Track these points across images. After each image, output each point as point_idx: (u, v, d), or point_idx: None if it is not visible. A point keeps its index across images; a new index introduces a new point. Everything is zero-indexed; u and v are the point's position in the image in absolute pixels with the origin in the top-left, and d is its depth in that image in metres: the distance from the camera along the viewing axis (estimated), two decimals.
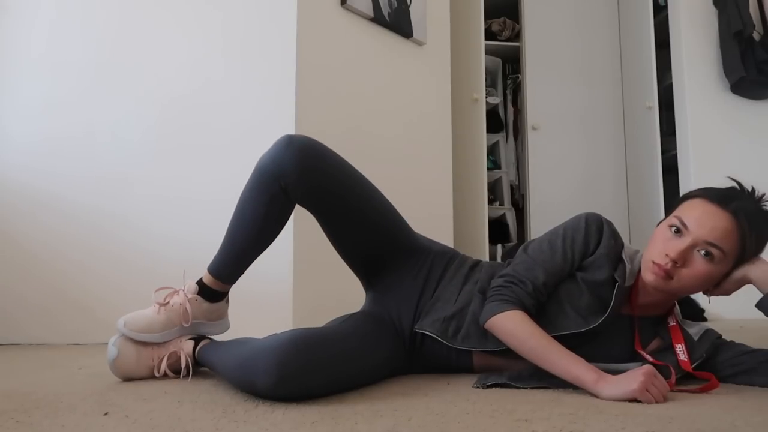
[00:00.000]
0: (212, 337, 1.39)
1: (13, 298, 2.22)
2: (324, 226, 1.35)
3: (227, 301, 1.40)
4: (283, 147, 1.21)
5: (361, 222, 1.31)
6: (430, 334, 1.24)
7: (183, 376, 1.29)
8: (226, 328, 1.42)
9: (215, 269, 1.32)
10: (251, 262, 1.32)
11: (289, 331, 1.06)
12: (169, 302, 1.31)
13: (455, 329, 1.24)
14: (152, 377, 1.30)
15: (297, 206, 1.30)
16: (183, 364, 1.29)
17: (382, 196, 1.35)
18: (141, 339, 1.28)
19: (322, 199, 1.26)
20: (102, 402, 1.04)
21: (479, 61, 3.44)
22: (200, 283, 1.34)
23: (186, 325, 1.32)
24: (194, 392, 1.13)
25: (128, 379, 1.28)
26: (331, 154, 1.27)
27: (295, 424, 0.86)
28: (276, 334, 1.06)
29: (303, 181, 1.21)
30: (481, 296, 1.25)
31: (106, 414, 0.95)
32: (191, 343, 1.32)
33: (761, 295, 1.12)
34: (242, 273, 1.34)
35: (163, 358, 1.29)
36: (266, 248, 1.32)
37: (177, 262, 2.18)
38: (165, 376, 1.30)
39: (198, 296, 1.33)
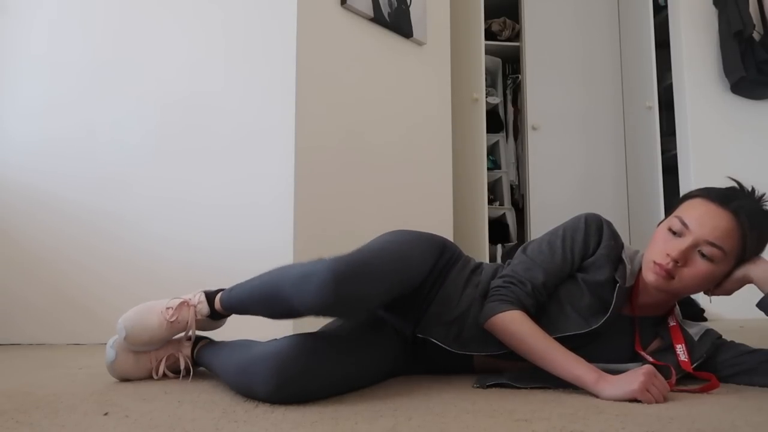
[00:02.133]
0: (210, 337, 1.38)
1: (13, 299, 2.22)
2: None
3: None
4: (324, 296, 0.99)
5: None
6: (431, 339, 1.24)
7: (182, 377, 1.29)
8: (222, 324, 1.42)
9: (228, 305, 1.27)
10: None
11: (287, 337, 1.06)
12: (176, 319, 1.28)
13: (456, 334, 1.24)
14: (151, 378, 1.30)
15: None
16: (182, 366, 1.29)
17: (413, 258, 1.23)
18: (142, 350, 1.28)
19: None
20: (102, 402, 1.04)
21: (479, 61, 3.44)
22: (210, 306, 1.30)
23: (188, 335, 1.31)
24: (194, 392, 1.13)
25: (127, 380, 1.28)
26: (368, 287, 1.06)
27: (295, 424, 0.86)
28: (275, 339, 1.06)
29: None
30: (482, 300, 1.25)
31: (106, 414, 0.94)
32: (189, 343, 1.32)
33: (762, 295, 1.13)
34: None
35: (161, 360, 1.29)
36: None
37: (176, 263, 2.20)
38: (164, 377, 1.30)
39: (207, 318, 1.31)
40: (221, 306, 1.29)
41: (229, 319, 1.45)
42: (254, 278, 1.20)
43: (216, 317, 1.31)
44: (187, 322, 1.28)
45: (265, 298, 1.13)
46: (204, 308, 1.29)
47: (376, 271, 1.07)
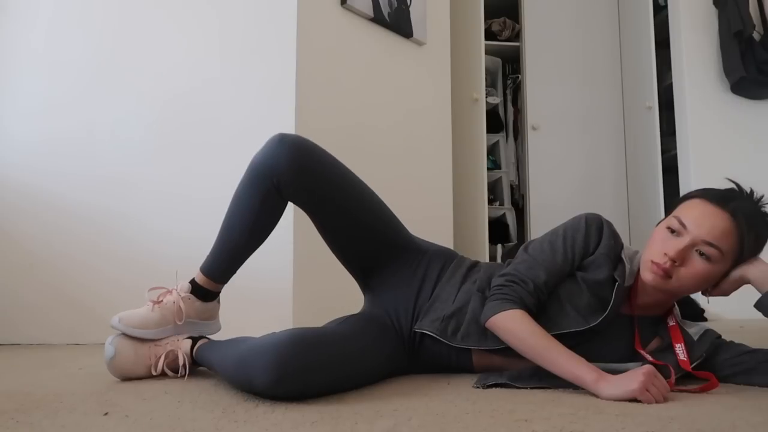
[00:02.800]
0: (209, 336, 1.39)
1: (13, 298, 2.22)
2: (317, 225, 1.36)
3: (219, 302, 1.41)
4: (275, 144, 1.23)
5: (353, 221, 1.32)
6: (429, 333, 1.24)
7: (181, 375, 1.30)
8: (218, 328, 1.43)
9: (207, 268, 1.34)
10: (243, 262, 1.33)
11: (287, 330, 1.06)
12: (162, 300, 1.33)
13: (454, 328, 1.24)
14: (150, 376, 1.30)
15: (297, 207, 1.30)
16: (180, 363, 1.30)
17: (376, 196, 1.36)
18: (136, 334, 1.29)
19: (314, 196, 1.27)
20: (102, 402, 1.04)
21: (479, 61, 3.44)
22: (193, 282, 1.35)
23: (179, 323, 1.32)
24: (194, 392, 1.13)
25: (126, 378, 1.29)
26: (322, 152, 1.29)
27: (295, 424, 0.86)
28: (274, 333, 1.06)
29: (295, 177, 1.22)
30: (480, 295, 1.26)
31: (106, 414, 0.95)
32: (188, 342, 1.32)
33: (759, 295, 1.13)
34: (234, 272, 1.35)
35: (160, 357, 1.29)
36: (257, 247, 1.33)
37: (177, 260, 2.18)
38: (163, 374, 1.30)
39: (191, 295, 1.34)
40: (201, 273, 1.33)
41: (228, 321, 1.46)
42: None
43: (202, 294, 1.34)
44: (174, 302, 1.32)
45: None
46: (184, 285, 1.34)
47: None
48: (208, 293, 1.36)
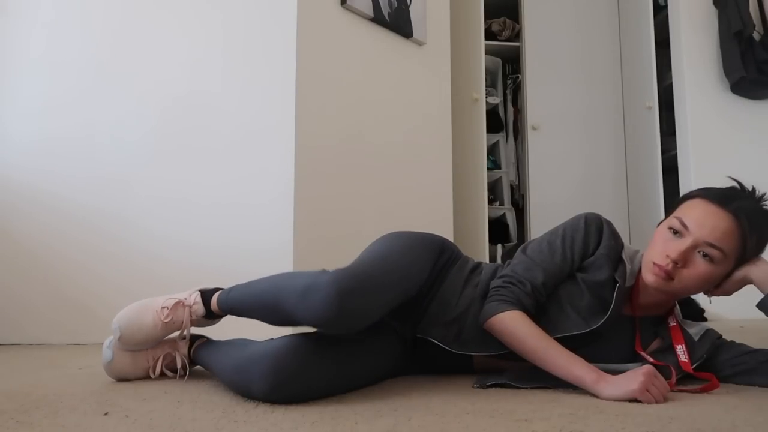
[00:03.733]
0: (208, 336, 1.38)
1: (13, 298, 2.22)
2: None
3: None
4: (330, 312, 0.98)
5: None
6: (431, 340, 1.24)
7: (179, 376, 1.29)
8: (217, 322, 1.41)
9: (226, 306, 1.27)
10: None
11: (284, 336, 1.06)
12: (171, 319, 1.27)
13: (456, 334, 1.24)
14: (149, 378, 1.30)
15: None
16: (179, 365, 1.29)
17: (412, 269, 1.23)
18: (134, 350, 1.28)
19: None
20: (102, 402, 1.04)
21: (479, 61, 3.44)
22: (206, 306, 1.29)
23: (183, 335, 1.31)
24: (194, 392, 1.13)
25: (124, 379, 1.28)
26: (371, 300, 1.06)
27: (295, 424, 0.86)
28: (272, 339, 1.06)
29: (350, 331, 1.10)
30: (481, 300, 1.24)
31: (106, 414, 0.94)
32: (186, 342, 1.32)
33: (762, 296, 1.12)
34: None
35: (158, 359, 1.29)
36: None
37: (176, 262, 2.20)
38: (162, 375, 1.30)
39: (202, 318, 1.31)
40: (218, 307, 1.28)
41: (227, 319, 1.45)
42: (254, 282, 1.20)
43: (211, 317, 1.31)
44: (182, 322, 1.28)
45: (265, 306, 1.13)
46: (200, 309, 1.28)
47: (379, 284, 1.07)
48: (218, 316, 1.32)
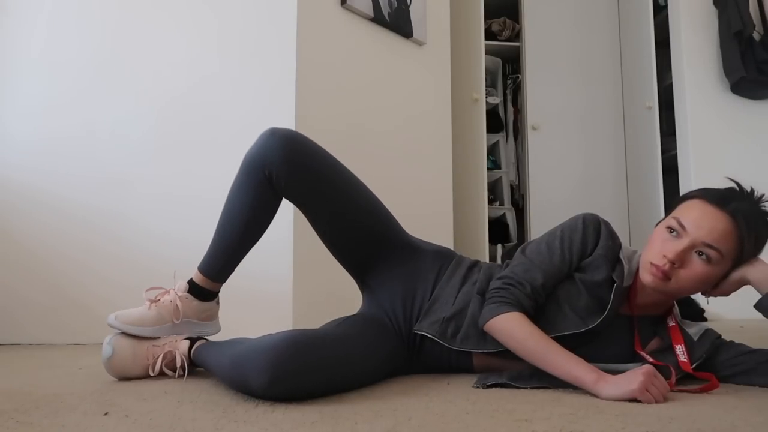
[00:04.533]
0: (208, 337, 1.39)
1: (14, 298, 2.22)
2: (310, 220, 1.36)
3: (218, 302, 1.41)
4: (267, 137, 1.26)
5: (345, 216, 1.32)
6: (429, 335, 1.24)
7: (178, 376, 1.29)
8: (218, 329, 1.43)
9: (205, 267, 1.34)
10: (240, 259, 1.34)
11: (283, 331, 1.06)
12: (160, 300, 1.33)
13: (454, 330, 1.24)
14: (149, 376, 1.30)
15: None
16: (178, 364, 1.30)
17: (370, 193, 1.36)
18: (132, 332, 1.29)
19: (306, 189, 1.27)
20: (102, 402, 1.04)
21: (479, 61, 3.45)
22: (191, 282, 1.35)
23: (177, 322, 1.32)
24: (194, 392, 1.13)
25: (123, 378, 1.29)
26: (315, 146, 1.29)
27: (295, 424, 0.86)
28: (270, 334, 1.07)
29: (287, 168, 1.23)
30: (479, 297, 1.25)
31: (106, 414, 0.95)
32: (187, 342, 1.32)
33: (760, 296, 1.12)
34: (231, 271, 1.35)
35: (158, 358, 1.29)
36: (253, 244, 1.33)
37: (177, 260, 2.18)
38: (162, 374, 1.30)
39: (188, 294, 1.34)
40: (199, 272, 1.34)
41: (228, 322, 1.46)
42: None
43: (200, 294, 1.34)
44: (171, 301, 1.32)
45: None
46: (182, 284, 1.34)
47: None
48: (206, 293, 1.36)
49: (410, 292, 1.31)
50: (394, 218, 1.40)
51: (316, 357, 1.02)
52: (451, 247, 1.91)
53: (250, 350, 1.01)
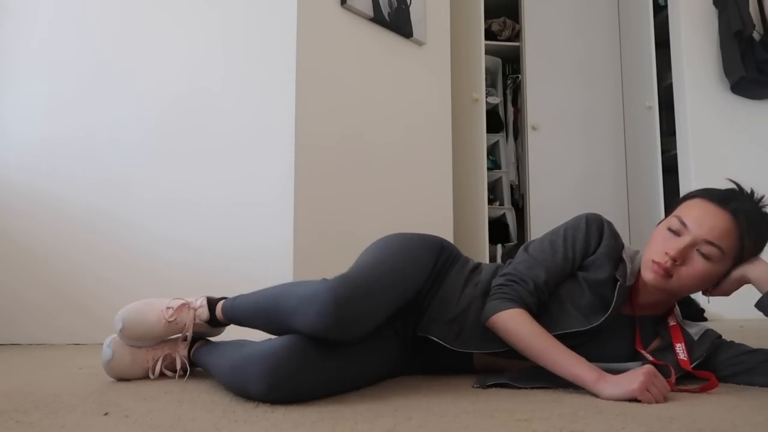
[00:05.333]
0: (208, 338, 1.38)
1: (13, 298, 2.22)
2: None
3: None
4: (324, 316, 1.01)
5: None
6: (432, 338, 1.24)
7: (179, 376, 1.29)
8: (221, 332, 1.42)
9: (231, 316, 1.28)
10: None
11: (283, 337, 1.06)
12: (175, 320, 1.29)
13: (457, 332, 1.24)
14: (148, 378, 1.30)
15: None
16: (178, 366, 1.29)
17: (407, 273, 1.23)
18: (138, 345, 1.29)
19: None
20: (102, 402, 1.04)
21: (479, 61, 3.44)
22: (211, 312, 1.31)
23: (184, 338, 1.31)
24: (194, 392, 1.13)
25: (123, 379, 1.28)
26: (366, 309, 1.08)
27: (295, 424, 0.86)
28: (270, 339, 1.07)
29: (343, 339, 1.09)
30: (482, 299, 1.25)
31: (106, 414, 0.94)
32: (186, 343, 1.32)
33: (760, 295, 1.13)
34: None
35: (158, 360, 1.29)
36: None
37: (176, 262, 2.20)
38: (161, 375, 1.30)
39: (205, 323, 1.32)
40: (222, 314, 1.30)
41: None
42: (258, 292, 1.21)
43: (215, 324, 1.32)
44: (185, 324, 1.29)
45: (267, 315, 1.15)
46: (204, 313, 1.30)
47: (376, 290, 1.09)
48: (221, 324, 1.34)
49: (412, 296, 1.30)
50: (417, 267, 1.27)
51: (315, 362, 1.02)
52: None
53: (249, 356, 1.02)
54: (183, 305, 1.30)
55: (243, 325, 1.26)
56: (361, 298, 1.04)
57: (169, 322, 1.28)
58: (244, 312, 1.24)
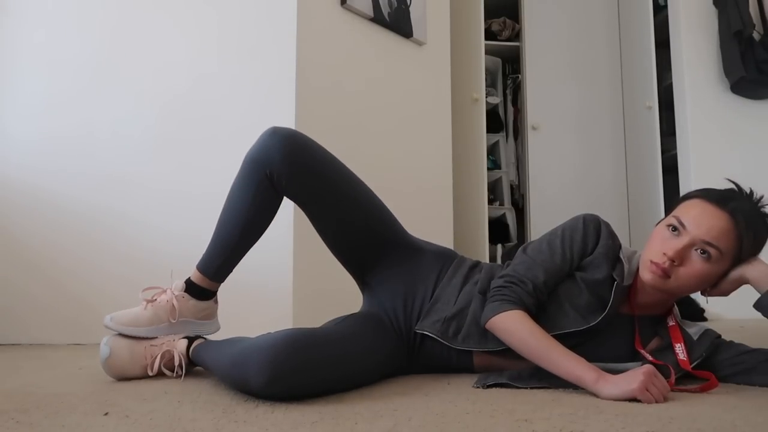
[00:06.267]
0: (206, 336, 1.38)
1: (14, 297, 2.22)
2: (313, 221, 1.36)
3: (216, 302, 1.41)
4: (268, 136, 1.26)
5: (345, 215, 1.32)
6: (430, 335, 1.24)
7: (176, 375, 1.29)
8: (217, 328, 1.43)
9: (203, 265, 1.34)
10: (240, 258, 1.33)
11: (283, 330, 1.06)
12: (156, 299, 1.33)
13: (455, 330, 1.24)
14: (148, 376, 1.30)
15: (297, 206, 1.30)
16: (176, 363, 1.30)
17: (371, 193, 1.36)
18: (127, 332, 1.29)
19: (306, 188, 1.28)
20: (102, 402, 1.04)
21: (479, 61, 3.44)
22: (188, 281, 1.35)
23: (173, 321, 1.32)
24: (194, 392, 1.13)
25: (122, 378, 1.29)
26: (316, 145, 1.29)
27: (295, 424, 0.86)
28: (270, 333, 1.07)
29: (287, 168, 1.23)
30: (481, 297, 1.26)
31: (106, 414, 0.95)
32: (185, 342, 1.32)
33: (759, 295, 1.13)
34: (230, 270, 1.35)
35: (156, 357, 1.29)
36: (253, 243, 1.33)
37: (178, 258, 2.18)
38: (160, 374, 1.30)
39: (185, 293, 1.34)
40: (197, 270, 1.33)
41: (227, 321, 1.46)
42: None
43: (197, 292, 1.34)
44: (167, 301, 1.32)
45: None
46: (178, 284, 1.34)
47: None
48: (204, 291, 1.36)
49: (411, 292, 1.32)
50: (395, 218, 1.40)
51: (315, 355, 1.02)
52: (451, 247, 1.91)
53: (249, 349, 1.01)
54: (158, 289, 1.35)
55: (223, 272, 1.34)
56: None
57: (150, 301, 1.32)
58: (213, 257, 1.32)
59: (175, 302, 1.32)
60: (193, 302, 1.35)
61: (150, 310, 1.32)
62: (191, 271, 1.37)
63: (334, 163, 1.32)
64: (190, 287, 1.35)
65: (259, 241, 2.18)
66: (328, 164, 1.30)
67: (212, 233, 1.33)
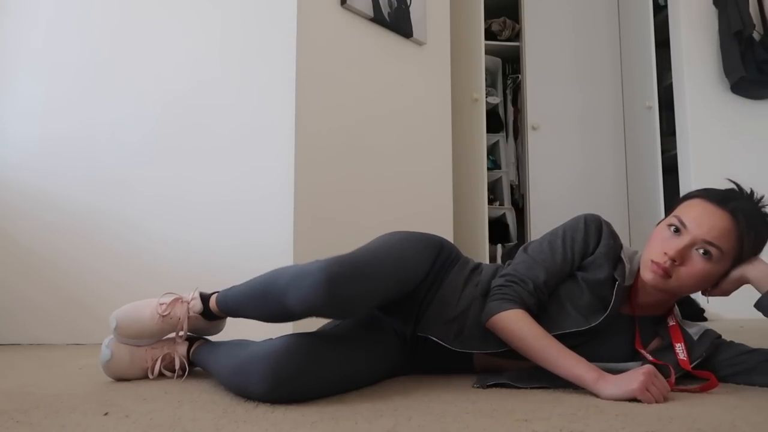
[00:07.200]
0: (207, 338, 1.38)
1: (13, 298, 2.22)
2: None
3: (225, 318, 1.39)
4: (313, 289, 1.00)
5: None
6: (432, 338, 1.24)
7: (177, 376, 1.29)
8: (221, 329, 1.42)
9: (224, 305, 1.28)
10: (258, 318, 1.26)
11: (283, 336, 1.06)
12: (168, 314, 1.29)
13: (457, 332, 1.24)
14: (147, 378, 1.30)
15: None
16: (177, 366, 1.29)
17: (401, 262, 1.21)
18: (130, 344, 1.28)
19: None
20: (102, 402, 1.04)
21: (479, 61, 3.44)
22: (205, 305, 1.31)
23: (181, 335, 1.31)
24: (194, 392, 1.13)
25: (122, 379, 1.28)
26: (361, 287, 1.06)
27: (295, 424, 0.86)
28: (270, 339, 1.07)
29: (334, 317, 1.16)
30: (482, 299, 1.25)
31: (106, 414, 0.95)
32: (185, 343, 1.32)
33: (760, 295, 1.13)
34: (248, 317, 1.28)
35: (157, 360, 1.29)
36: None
37: (177, 260, 2.20)
38: (161, 375, 1.30)
39: (199, 315, 1.31)
40: (216, 305, 1.29)
41: (228, 321, 1.45)
42: (250, 280, 1.21)
43: (209, 316, 1.31)
44: (179, 319, 1.28)
45: (259, 296, 1.14)
46: (197, 305, 1.30)
47: (371, 272, 1.08)
48: (217, 317, 1.33)
49: (414, 295, 1.30)
50: (414, 258, 1.26)
51: (316, 361, 1.02)
52: None
53: (249, 357, 1.01)
54: (176, 299, 1.30)
55: (238, 316, 1.25)
56: (355, 278, 1.02)
57: (163, 316, 1.28)
58: (237, 299, 1.23)
59: (186, 322, 1.29)
60: (203, 322, 1.32)
61: (159, 324, 1.28)
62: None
63: (378, 281, 1.12)
64: (206, 312, 1.31)
65: (259, 241, 2.19)
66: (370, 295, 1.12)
67: (250, 283, 1.20)
